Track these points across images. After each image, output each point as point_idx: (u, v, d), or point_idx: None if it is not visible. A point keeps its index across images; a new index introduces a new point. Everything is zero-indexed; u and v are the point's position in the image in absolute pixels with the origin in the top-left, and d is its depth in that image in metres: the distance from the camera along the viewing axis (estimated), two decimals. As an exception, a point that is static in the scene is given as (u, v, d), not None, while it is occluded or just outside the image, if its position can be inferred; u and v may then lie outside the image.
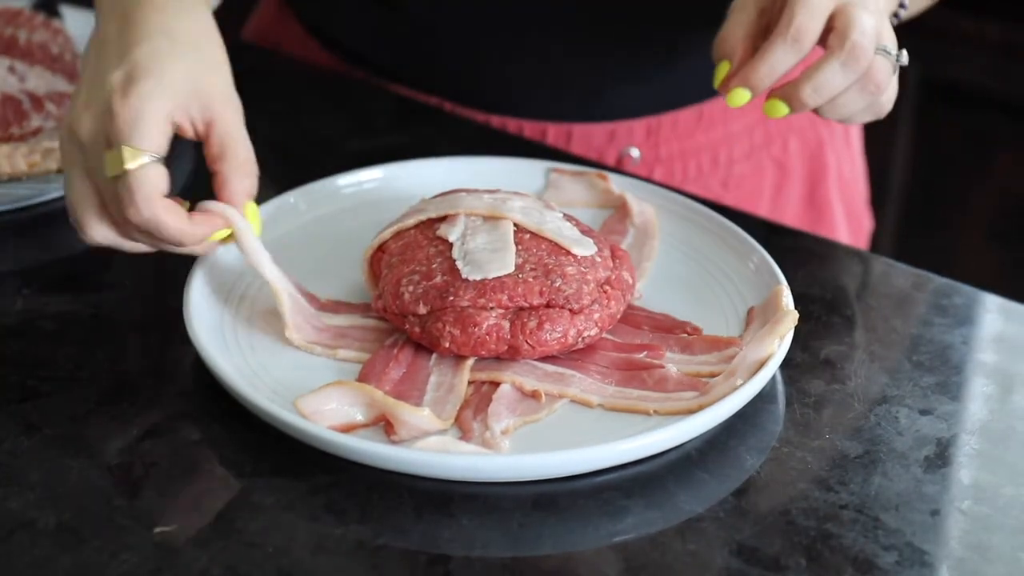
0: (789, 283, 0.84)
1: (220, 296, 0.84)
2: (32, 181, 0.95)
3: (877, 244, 1.90)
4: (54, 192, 0.96)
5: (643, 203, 0.95)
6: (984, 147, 1.93)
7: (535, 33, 1.08)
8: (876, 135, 1.42)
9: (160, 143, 0.77)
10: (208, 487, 0.72)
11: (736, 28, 0.87)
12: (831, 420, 0.78)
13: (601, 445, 0.72)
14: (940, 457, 0.76)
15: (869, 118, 0.87)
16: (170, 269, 0.88)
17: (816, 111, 0.86)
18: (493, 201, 0.83)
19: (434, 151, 1.00)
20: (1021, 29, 1.85)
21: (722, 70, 0.87)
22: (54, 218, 0.96)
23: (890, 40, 0.85)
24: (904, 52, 0.85)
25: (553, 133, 1.12)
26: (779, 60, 0.83)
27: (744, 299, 0.86)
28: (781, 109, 0.85)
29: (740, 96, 0.85)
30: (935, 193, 1.99)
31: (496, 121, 1.13)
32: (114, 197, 0.77)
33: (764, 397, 0.79)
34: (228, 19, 1.40)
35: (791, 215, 1.19)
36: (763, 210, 1.17)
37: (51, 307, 0.86)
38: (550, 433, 0.76)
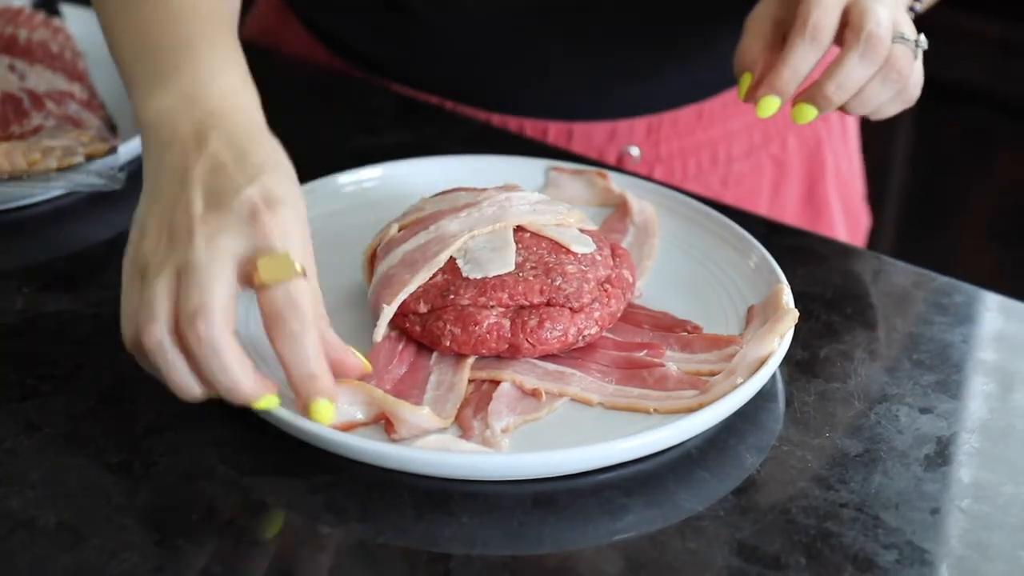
0: (789, 282, 0.84)
1: (220, 295, 0.84)
2: (32, 180, 0.95)
3: (877, 243, 1.90)
4: (54, 191, 0.96)
5: (643, 202, 0.95)
6: (984, 147, 1.93)
7: (536, 32, 1.08)
8: (876, 135, 1.42)
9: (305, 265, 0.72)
10: (208, 487, 0.72)
11: (754, 40, 0.88)
12: (831, 418, 0.78)
13: (601, 444, 0.72)
14: (940, 455, 0.76)
15: (899, 107, 0.88)
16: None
17: (844, 108, 0.86)
18: (494, 211, 0.83)
19: (435, 150, 1.00)
20: (1021, 29, 1.85)
21: (745, 82, 0.88)
22: (54, 217, 0.96)
23: (907, 27, 0.85)
24: (923, 37, 0.86)
25: (554, 132, 1.12)
26: (801, 59, 0.84)
27: (744, 298, 0.86)
28: (809, 113, 0.86)
29: (770, 104, 0.86)
30: (935, 192, 1.99)
31: (497, 120, 1.13)
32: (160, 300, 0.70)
33: (764, 396, 0.79)
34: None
35: (790, 212, 1.20)
36: (762, 208, 1.17)
37: (51, 307, 0.86)
38: (550, 432, 0.76)
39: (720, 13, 1.08)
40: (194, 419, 0.77)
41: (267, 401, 0.71)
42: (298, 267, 0.70)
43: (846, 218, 1.24)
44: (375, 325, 0.79)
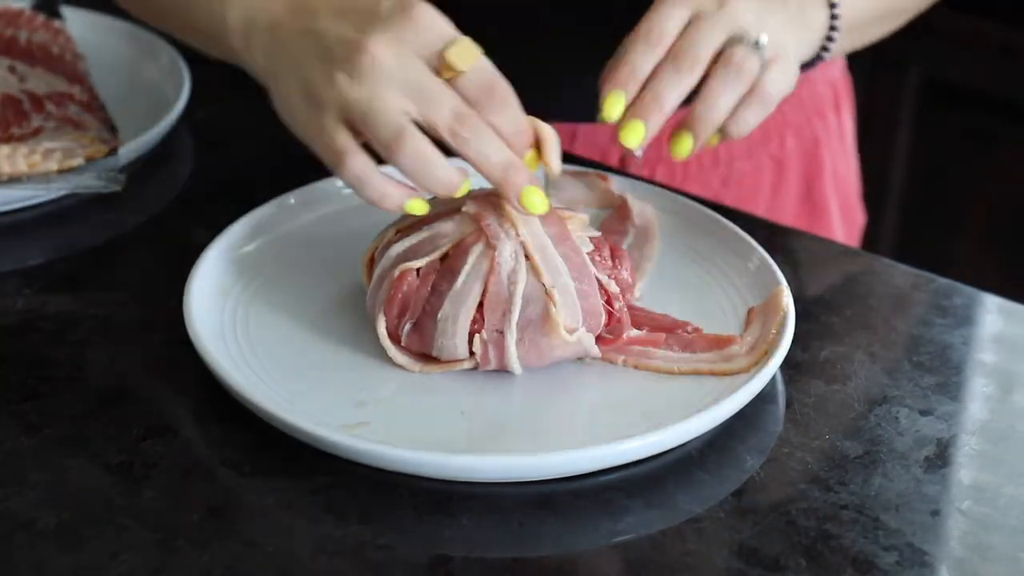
0: (789, 283, 0.84)
1: (220, 296, 0.84)
2: (32, 181, 0.95)
3: (877, 245, 1.90)
4: (54, 192, 0.96)
5: (643, 203, 0.95)
6: (984, 149, 1.93)
7: (539, 34, 1.08)
8: (876, 135, 1.42)
9: None
10: (208, 487, 0.72)
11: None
12: (831, 420, 0.78)
13: (601, 445, 0.72)
14: (940, 457, 0.76)
15: (756, 114, 0.83)
16: (170, 269, 0.88)
17: (693, 126, 0.82)
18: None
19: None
20: (1021, 29, 1.85)
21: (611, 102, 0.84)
22: (54, 218, 0.96)
23: (748, 23, 0.82)
24: (765, 36, 0.82)
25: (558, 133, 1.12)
26: (638, 59, 0.82)
27: (744, 299, 0.86)
28: (637, 129, 0.81)
29: (635, 130, 0.82)
30: (935, 194, 1.99)
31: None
32: (448, 94, 0.76)
33: (764, 397, 0.79)
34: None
35: (788, 211, 1.20)
36: (761, 207, 1.17)
37: (51, 307, 0.86)
38: (550, 433, 0.76)
39: None
40: (194, 420, 0.77)
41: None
42: (480, 49, 0.77)
43: (843, 217, 1.25)
44: (374, 328, 0.80)
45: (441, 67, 0.76)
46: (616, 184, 0.96)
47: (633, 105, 0.82)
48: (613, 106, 0.82)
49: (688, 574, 0.68)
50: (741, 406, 0.76)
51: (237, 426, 0.76)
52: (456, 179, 0.77)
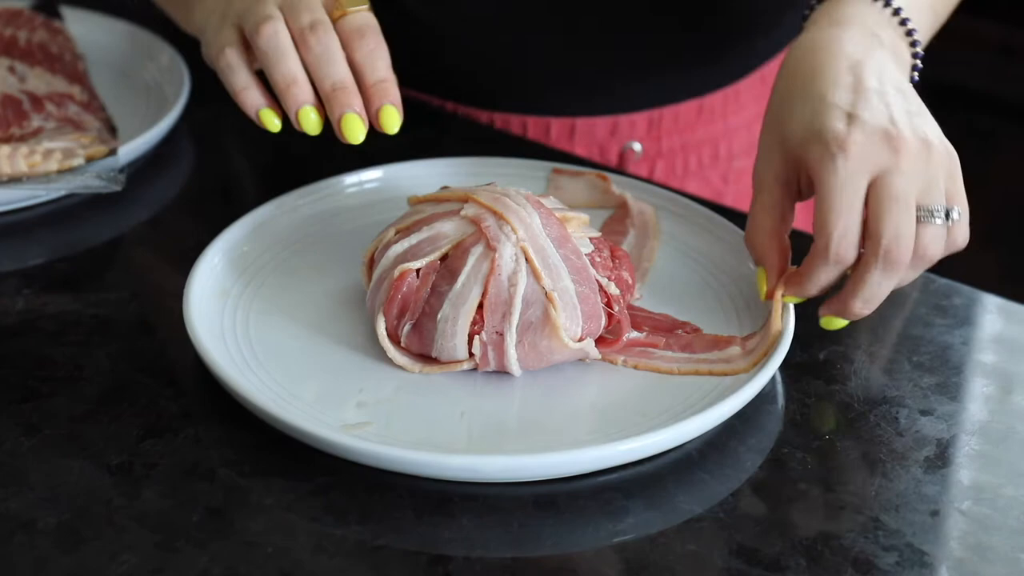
0: (789, 283, 0.84)
1: (220, 296, 0.84)
2: (32, 181, 0.95)
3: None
4: (54, 192, 0.96)
5: (643, 204, 0.95)
6: (984, 150, 1.93)
7: (537, 30, 1.08)
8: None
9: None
10: (208, 487, 0.72)
11: (759, 223, 0.82)
12: (831, 420, 0.78)
13: (601, 445, 0.72)
14: (940, 458, 0.76)
15: (913, 277, 0.80)
16: (170, 269, 0.88)
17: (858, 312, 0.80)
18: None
19: (436, 151, 1.00)
20: (1021, 30, 1.85)
21: (761, 278, 0.82)
22: (54, 218, 0.97)
23: (936, 195, 0.77)
24: (956, 208, 0.78)
25: (556, 128, 1.12)
26: (823, 278, 0.79)
27: (744, 299, 0.86)
28: (838, 325, 0.81)
29: (833, 323, 0.81)
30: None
31: (499, 118, 1.13)
32: (328, 49, 0.84)
33: (764, 397, 0.79)
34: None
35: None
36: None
37: (51, 307, 0.86)
38: (550, 433, 0.76)
39: (720, 10, 1.08)
40: (194, 419, 0.77)
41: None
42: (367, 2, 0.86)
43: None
44: (374, 328, 0.80)
45: (332, 7, 0.86)
46: (616, 184, 0.96)
47: (833, 306, 0.80)
48: (831, 323, 0.81)
49: (688, 574, 0.68)
50: (741, 406, 0.76)
51: (237, 426, 0.76)
52: (300, 74, 0.84)
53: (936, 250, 0.78)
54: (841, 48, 0.80)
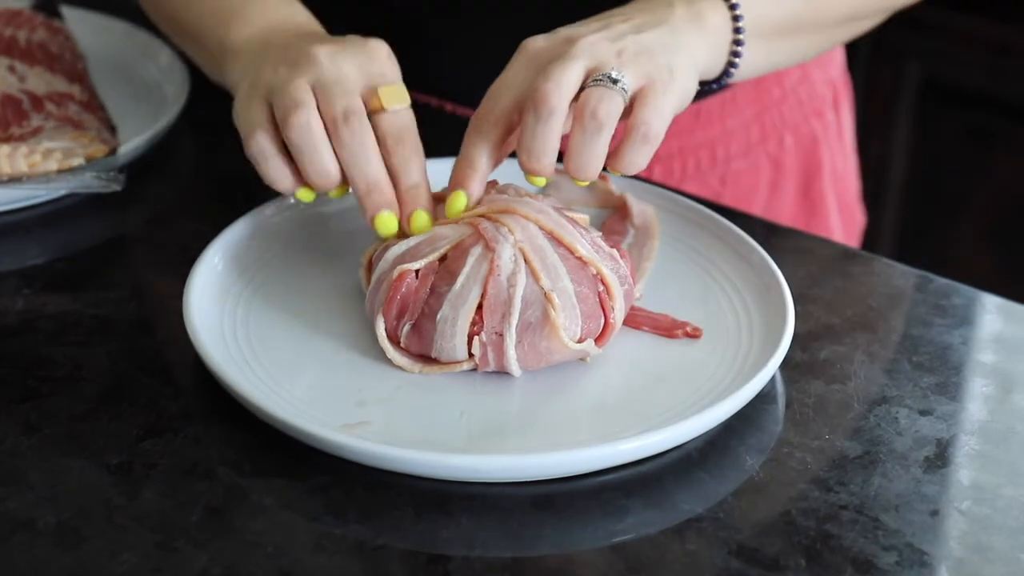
0: (789, 283, 0.84)
1: (220, 296, 0.84)
2: (32, 181, 0.95)
3: (876, 245, 1.90)
4: (54, 192, 0.96)
5: (643, 203, 0.95)
6: (984, 147, 1.93)
7: (536, 33, 1.08)
8: (875, 134, 1.42)
9: None
10: (208, 487, 0.72)
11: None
12: (831, 420, 0.78)
13: (601, 445, 0.72)
14: (940, 457, 0.76)
15: (645, 152, 0.80)
16: (170, 269, 0.88)
17: (572, 172, 0.81)
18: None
19: (435, 151, 1.00)
20: (1021, 29, 1.85)
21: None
22: (54, 218, 0.97)
23: (615, 64, 0.80)
24: (627, 76, 0.79)
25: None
26: (469, 146, 0.83)
27: (744, 299, 0.86)
28: (536, 182, 0.82)
29: (458, 199, 0.82)
30: (934, 194, 1.99)
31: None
32: (363, 145, 0.81)
33: (764, 397, 0.79)
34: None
35: (786, 211, 1.20)
36: (759, 206, 1.17)
37: (51, 307, 0.86)
38: (550, 433, 0.76)
39: None
40: (194, 419, 0.77)
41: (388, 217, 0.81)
42: (406, 99, 0.83)
43: (841, 216, 1.25)
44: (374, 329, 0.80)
45: (370, 97, 0.82)
46: (616, 184, 0.96)
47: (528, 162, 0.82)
48: (455, 206, 0.82)
49: (688, 574, 0.68)
50: (741, 406, 0.76)
51: (237, 426, 0.76)
52: (333, 170, 0.81)
53: (604, 109, 0.78)
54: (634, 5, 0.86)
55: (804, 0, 0.92)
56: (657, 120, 0.79)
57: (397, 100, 0.82)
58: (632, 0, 0.88)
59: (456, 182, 0.83)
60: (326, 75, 0.82)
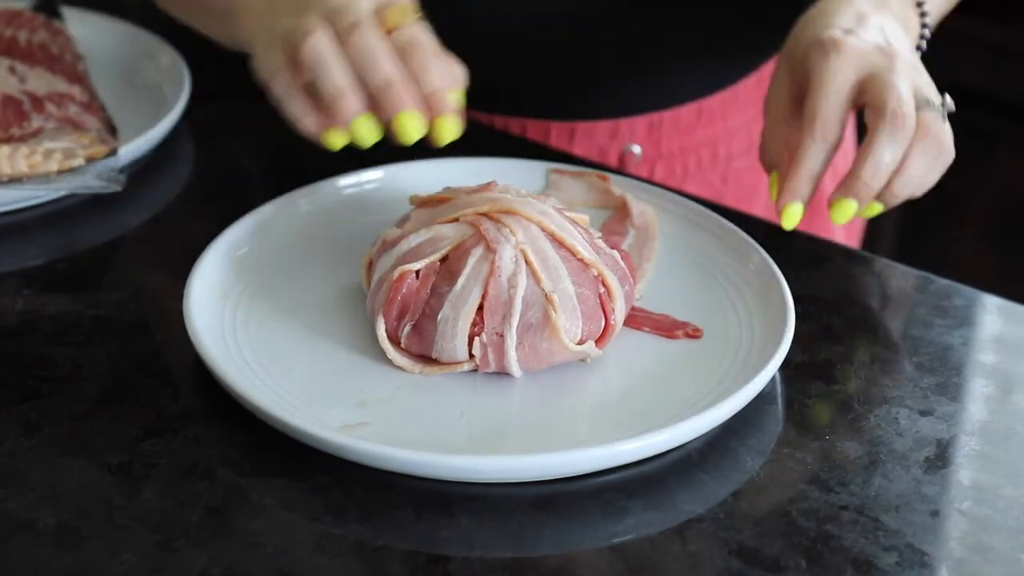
0: (789, 284, 0.84)
1: (220, 296, 0.84)
2: (32, 181, 0.95)
3: (877, 245, 1.90)
4: (54, 192, 0.96)
5: (643, 204, 0.95)
6: (983, 150, 1.93)
7: (537, 35, 1.08)
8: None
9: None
10: (208, 487, 0.72)
11: (774, 130, 0.89)
12: (831, 421, 0.78)
13: (601, 445, 0.72)
14: (940, 458, 0.76)
15: (939, 173, 0.88)
16: (170, 269, 0.88)
17: (889, 195, 0.85)
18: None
19: (435, 151, 1.00)
20: (1020, 29, 1.85)
21: (773, 184, 0.89)
22: (54, 218, 0.96)
23: (929, 88, 0.85)
24: (948, 96, 0.85)
25: (556, 132, 1.12)
26: (813, 160, 0.85)
27: (744, 300, 0.86)
28: (849, 208, 0.85)
29: (792, 212, 0.86)
30: (935, 193, 1.99)
31: (499, 121, 1.13)
32: (374, 49, 0.78)
33: (764, 398, 0.79)
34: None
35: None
36: (761, 204, 1.17)
37: (51, 307, 0.86)
38: (550, 433, 0.76)
39: (721, 11, 1.09)
40: (194, 419, 0.77)
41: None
42: (416, 15, 0.80)
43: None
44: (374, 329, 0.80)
45: (381, 21, 0.80)
46: (616, 184, 0.96)
47: (843, 186, 0.86)
48: (791, 219, 0.86)
49: (688, 574, 0.68)
50: (741, 406, 0.76)
51: (237, 426, 0.76)
52: (344, 84, 0.77)
53: (938, 132, 0.84)
54: (851, 3, 0.89)
55: None
56: (949, 136, 0.87)
57: (405, 16, 0.80)
58: None
59: (796, 194, 0.85)
60: (334, 4, 0.80)
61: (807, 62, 0.87)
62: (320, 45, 0.78)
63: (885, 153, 0.83)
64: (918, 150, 0.84)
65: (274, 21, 0.83)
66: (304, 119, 0.80)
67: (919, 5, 0.93)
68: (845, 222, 0.86)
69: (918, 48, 0.92)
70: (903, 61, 0.86)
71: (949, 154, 0.87)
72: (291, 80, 0.80)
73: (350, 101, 0.77)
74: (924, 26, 0.92)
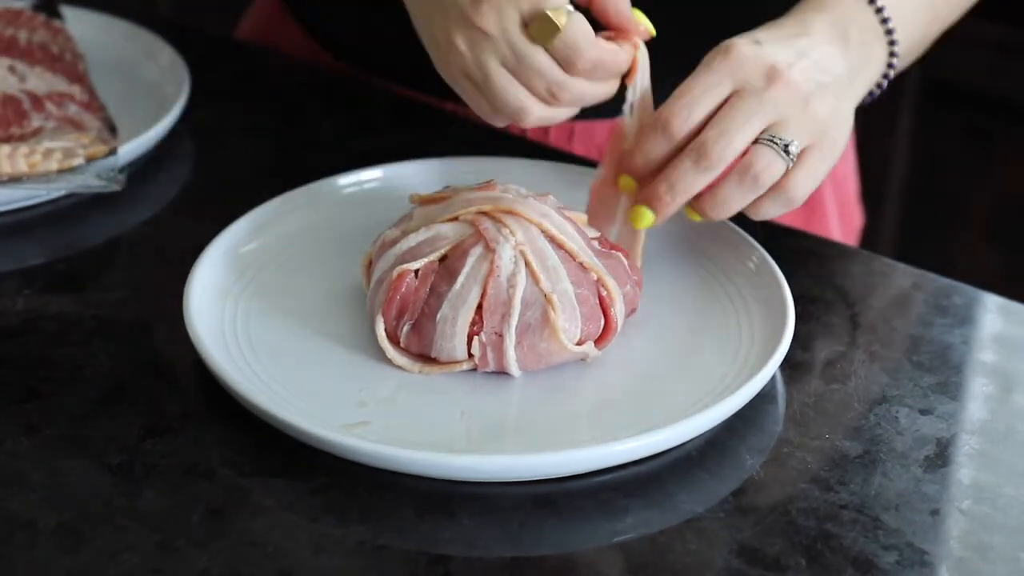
0: (789, 283, 0.84)
1: (220, 296, 0.84)
2: (32, 181, 0.95)
3: (876, 244, 1.90)
4: (54, 192, 0.96)
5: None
6: (984, 149, 1.93)
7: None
8: (875, 135, 1.42)
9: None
10: (208, 487, 0.72)
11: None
12: (831, 420, 0.78)
13: (601, 445, 0.72)
14: (940, 457, 0.76)
15: (780, 210, 0.83)
16: (170, 269, 0.88)
17: (700, 211, 0.82)
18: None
19: (435, 151, 1.00)
20: (1020, 29, 1.85)
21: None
22: (54, 218, 0.97)
23: (782, 132, 0.80)
24: (795, 143, 0.80)
25: (555, 132, 1.12)
26: (651, 149, 0.82)
27: (744, 299, 0.86)
28: (646, 216, 0.82)
29: (644, 217, 0.83)
30: (935, 194, 1.99)
31: (499, 120, 1.13)
32: (544, 67, 0.80)
33: (764, 397, 0.79)
34: (224, 18, 1.40)
35: (785, 211, 1.20)
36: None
37: (51, 307, 0.86)
38: (550, 433, 0.76)
39: (719, 14, 1.08)
40: (194, 419, 0.77)
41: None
42: (563, 19, 0.78)
43: (840, 217, 1.25)
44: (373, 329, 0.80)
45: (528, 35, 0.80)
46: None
47: (645, 192, 0.83)
48: (640, 217, 0.83)
49: (688, 574, 0.68)
50: (741, 406, 0.76)
51: (237, 426, 0.76)
52: (525, 104, 0.81)
53: (767, 175, 0.80)
54: (804, 21, 0.84)
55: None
56: (809, 186, 0.82)
57: (546, 34, 0.79)
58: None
59: (648, 201, 0.83)
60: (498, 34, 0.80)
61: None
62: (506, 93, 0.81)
63: (684, 175, 0.80)
64: (736, 181, 0.80)
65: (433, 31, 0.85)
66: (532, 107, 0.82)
67: (885, 24, 0.87)
68: (644, 227, 0.84)
69: (878, 86, 0.88)
70: (786, 91, 0.81)
71: (792, 195, 0.82)
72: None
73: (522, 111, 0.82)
74: (892, 55, 0.88)
